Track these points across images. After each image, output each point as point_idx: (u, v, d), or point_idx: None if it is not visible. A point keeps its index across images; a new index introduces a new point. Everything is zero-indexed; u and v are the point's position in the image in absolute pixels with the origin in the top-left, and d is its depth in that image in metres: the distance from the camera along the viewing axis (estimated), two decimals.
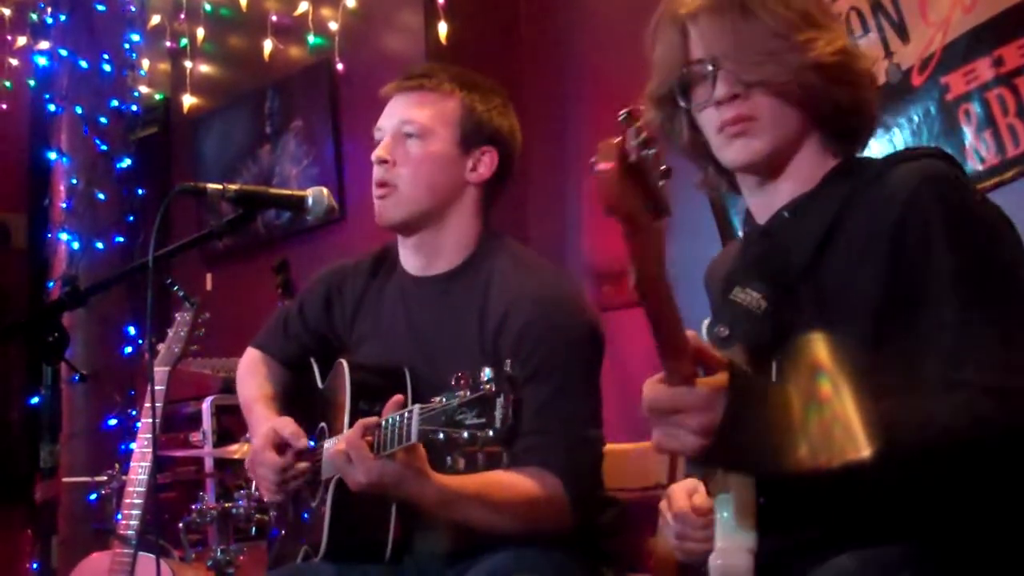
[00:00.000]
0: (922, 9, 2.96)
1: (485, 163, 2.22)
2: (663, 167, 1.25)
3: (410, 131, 2.20)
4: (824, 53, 1.55)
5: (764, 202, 1.65)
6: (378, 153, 2.21)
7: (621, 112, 1.24)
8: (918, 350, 1.44)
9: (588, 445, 2.10)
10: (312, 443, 2.16)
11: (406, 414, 1.81)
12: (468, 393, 1.69)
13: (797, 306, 1.54)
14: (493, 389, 1.67)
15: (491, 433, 1.67)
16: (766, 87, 1.56)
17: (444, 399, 1.73)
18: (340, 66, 4.76)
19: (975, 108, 2.84)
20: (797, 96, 1.57)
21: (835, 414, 1.37)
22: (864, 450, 1.34)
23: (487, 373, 1.69)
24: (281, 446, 2.13)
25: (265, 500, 2.29)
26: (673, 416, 1.37)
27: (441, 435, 1.71)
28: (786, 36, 1.56)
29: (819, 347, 1.47)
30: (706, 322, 1.59)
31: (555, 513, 2.01)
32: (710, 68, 1.58)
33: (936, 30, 2.91)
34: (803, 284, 1.55)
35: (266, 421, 2.23)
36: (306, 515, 2.20)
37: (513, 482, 1.99)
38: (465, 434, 1.69)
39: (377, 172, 2.22)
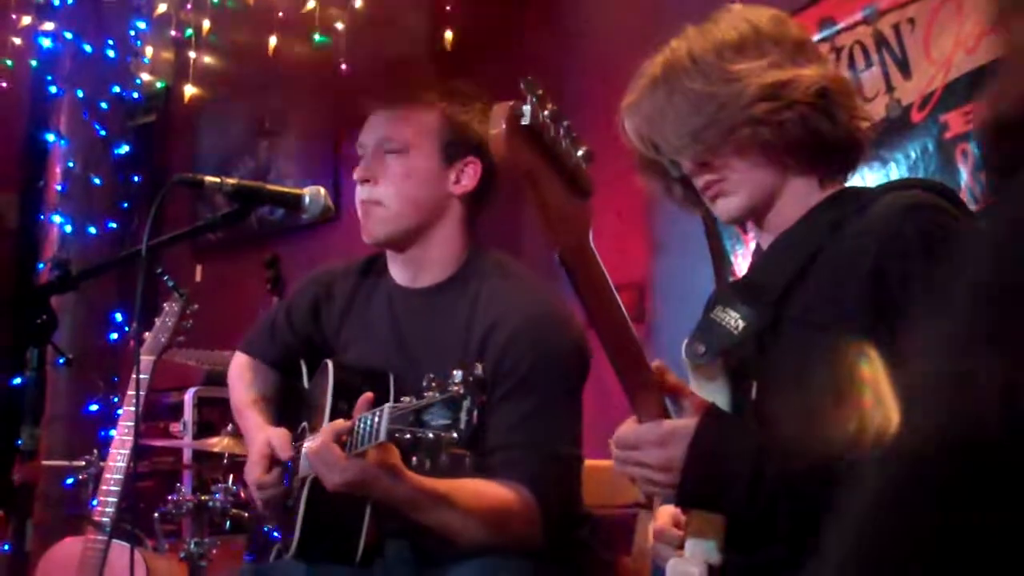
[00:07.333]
0: (925, 46, 2.97)
1: (469, 174, 2.21)
2: (582, 150, 1.29)
3: (391, 148, 2.19)
4: (756, 97, 1.55)
5: (766, 238, 1.69)
6: (360, 174, 2.21)
7: (523, 81, 1.24)
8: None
9: (564, 462, 2.10)
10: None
11: (377, 413, 1.82)
12: (437, 394, 1.71)
13: (775, 327, 1.56)
14: (461, 391, 1.68)
15: (455, 435, 1.68)
16: (728, 147, 1.59)
17: (414, 399, 1.74)
18: (344, 66, 4.76)
19: (972, 148, 2.85)
20: (758, 143, 1.58)
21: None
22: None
23: (457, 375, 1.70)
24: (272, 459, 2.14)
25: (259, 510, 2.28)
26: (634, 452, 1.42)
27: (408, 435, 1.73)
28: (709, 99, 1.57)
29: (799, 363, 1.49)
30: (686, 340, 1.61)
31: (525, 526, 2.01)
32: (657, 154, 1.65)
33: (938, 68, 2.92)
34: (783, 305, 1.56)
35: (260, 430, 2.22)
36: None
37: (486, 490, 1.99)
38: (430, 434, 1.70)
39: (360, 191, 2.21)
